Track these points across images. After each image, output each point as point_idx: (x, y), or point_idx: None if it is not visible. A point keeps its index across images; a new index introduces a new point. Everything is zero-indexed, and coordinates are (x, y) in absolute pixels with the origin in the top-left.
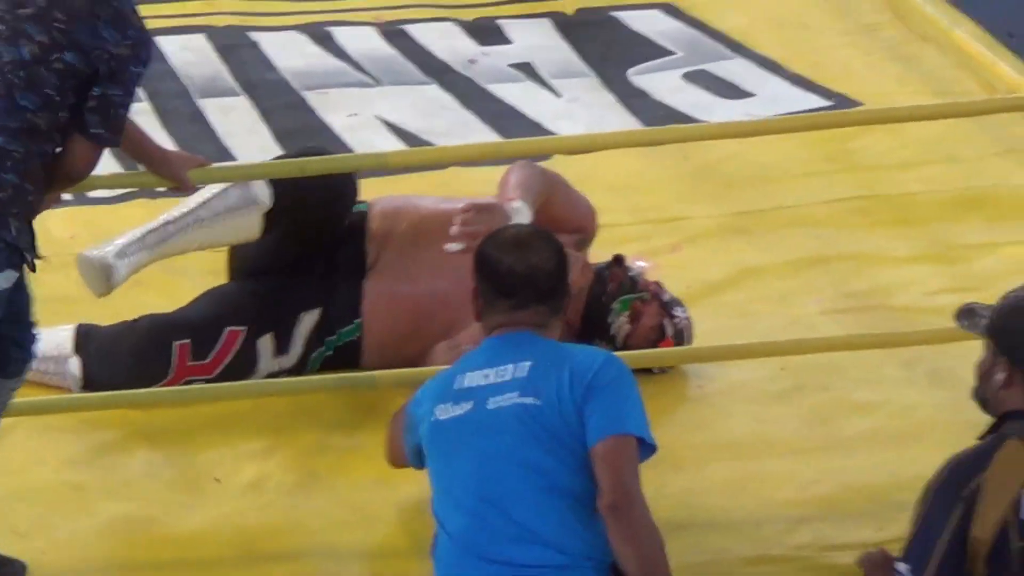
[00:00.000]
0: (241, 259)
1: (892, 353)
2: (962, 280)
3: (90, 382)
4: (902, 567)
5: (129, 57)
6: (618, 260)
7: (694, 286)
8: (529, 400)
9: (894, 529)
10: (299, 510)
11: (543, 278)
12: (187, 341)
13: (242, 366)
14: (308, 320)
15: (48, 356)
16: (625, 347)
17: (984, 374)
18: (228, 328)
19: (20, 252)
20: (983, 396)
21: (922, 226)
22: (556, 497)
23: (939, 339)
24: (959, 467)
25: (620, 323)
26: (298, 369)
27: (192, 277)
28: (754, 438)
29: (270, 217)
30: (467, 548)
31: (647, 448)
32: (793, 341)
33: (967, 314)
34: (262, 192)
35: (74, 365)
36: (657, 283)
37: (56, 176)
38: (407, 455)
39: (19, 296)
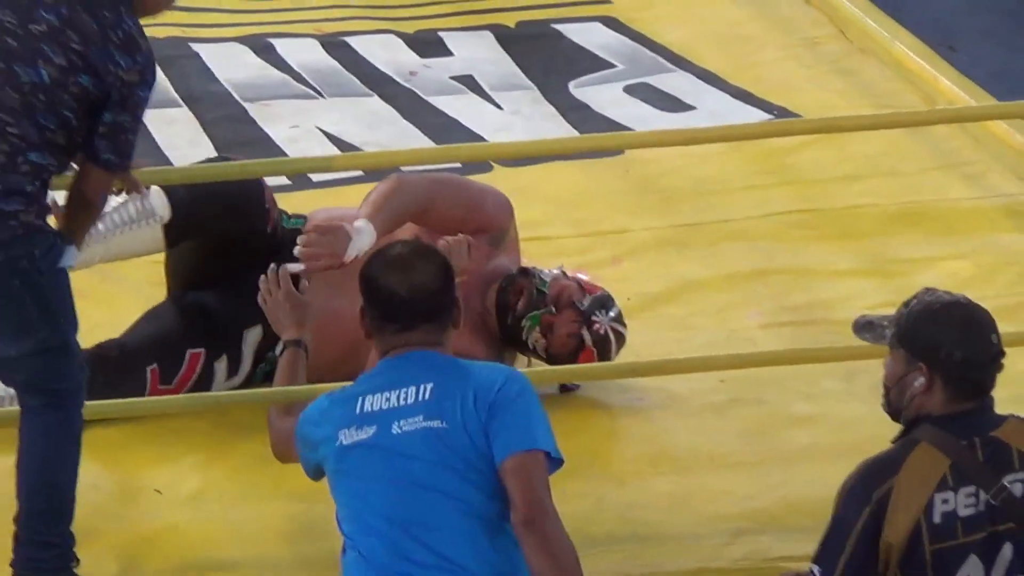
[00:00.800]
0: (178, 273)
1: (832, 367)
2: (901, 294)
3: None
4: (815, 569)
5: (138, 83)
6: (523, 271)
7: (634, 299)
8: (435, 423)
9: None
10: (239, 521)
11: (427, 298)
12: (155, 366)
13: (199, 388)
14: (251, 337)
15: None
16: (550, 358)
17: (898, 383)
18: (190, 351)
19: None
20: (896, 406)
21: (862, 240)
22: (469, 521)
23: (879, 353)
24: (870, 470)
25: (535, 338)
26: (244, 385)
27: (132, 286)
28: (693, 452)
29: (174, 230)
30: (380, 569)
31: (554, 462)
32: (732, 355)
33: (866, 327)
34: (160, 205)
35: None
36: (580, 287)
37: (75, 206)
38: (304, 467)
39: None
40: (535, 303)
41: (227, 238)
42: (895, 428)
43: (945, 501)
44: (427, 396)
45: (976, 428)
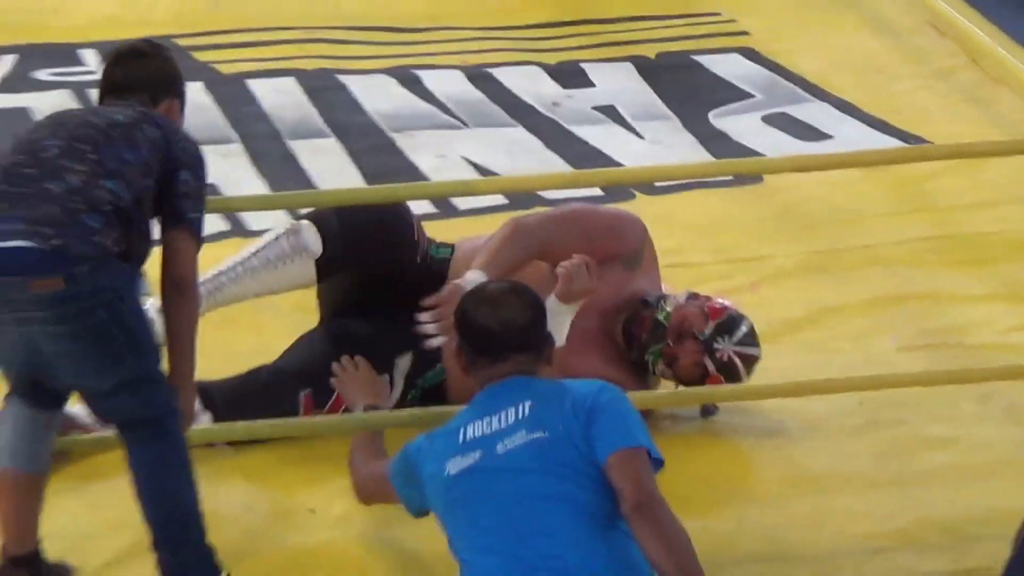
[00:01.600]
0: (329, 301)
1: (967, 389)
2: None
3: None
4: None
5: (200, 158)
6: (645, 302)
7: (774, 324)
8: (538, 435)
9: (968, 562)
10: (388, 541)
11: (516, 332)
12: (309, 391)
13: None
14: (403, 363)
15: None
16: (683, 385)
17: None
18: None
19: None
20: None
21: (996, 265)
22: (580, 521)
23: (1014, 375)
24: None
25: (660, 369)
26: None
27: (281, 313)
28: (832, 472)
29: (325, 264)
30: None
31: (655, 462)
32: (871, 377)
33: None
34: (312, 240)
35: (206, 422)
36: (703, 314)
37: (171, 302)
38: (407, 506)
39: None
40: (657, 335)
41: (378, 270)
42: (1022, 449)
43: None
44: (526, 413)
45: None
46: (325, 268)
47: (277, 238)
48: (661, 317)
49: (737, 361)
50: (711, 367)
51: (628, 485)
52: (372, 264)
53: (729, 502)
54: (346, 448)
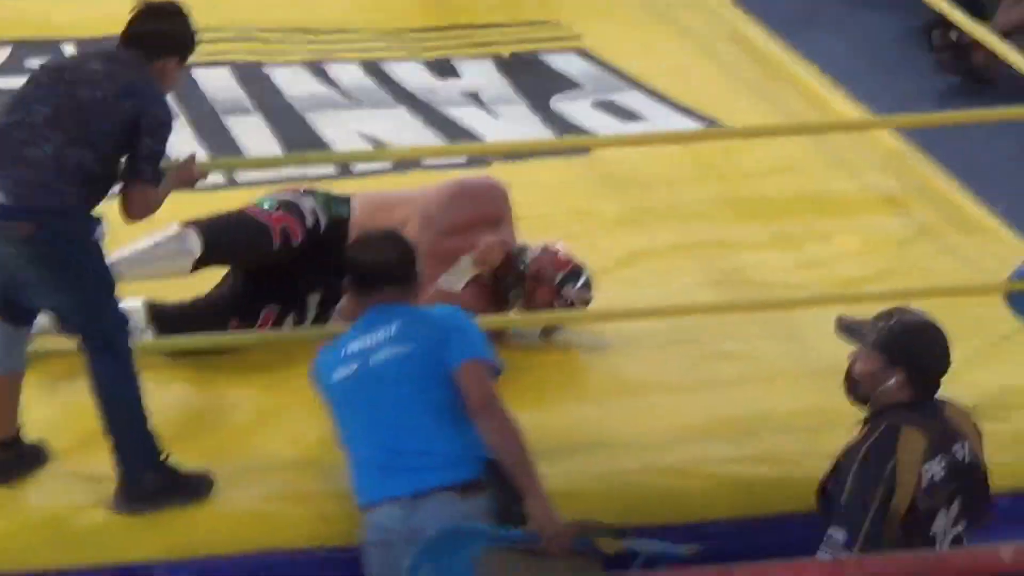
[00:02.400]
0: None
1: (753, 316)
2: (805, 261)
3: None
4: (838, 534)
5: (165, 123)
6: (509, 256)
7: (597, 264)
8: (401, 349)
9: (752, 450)
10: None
11: (385, 268)
12: (236, 320)
13: None
14: (313, 299)
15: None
16: None
17: (871, 378)
18: (264, 309)
19: None
20: (863, 394)
21: (776, 220)
22: (438, 418)
23: (789, 305)
24: (875, 453)
25: (519, 305)
26: None
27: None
28: (646, 379)
29: (199, 263)
30: (373, 468)
31: (495, 370)
32: (676, 305)
33: (848, 330)
34: (194, 243)
35: (150, 337)
36: (553, 264)
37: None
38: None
39: None
40: (518, 280)
41: (237, 264)
42: (800, 362)
43: (928, 471)
44: (392, 332)
45: (933, 412)
46: (197, 265)
47: (167, 240)
48: (521, 267)
49: (578, 303)
50: (558, 306)
51: (471, 391)
52: (235, 261)
53: (562, 402)
54: (264, 358)
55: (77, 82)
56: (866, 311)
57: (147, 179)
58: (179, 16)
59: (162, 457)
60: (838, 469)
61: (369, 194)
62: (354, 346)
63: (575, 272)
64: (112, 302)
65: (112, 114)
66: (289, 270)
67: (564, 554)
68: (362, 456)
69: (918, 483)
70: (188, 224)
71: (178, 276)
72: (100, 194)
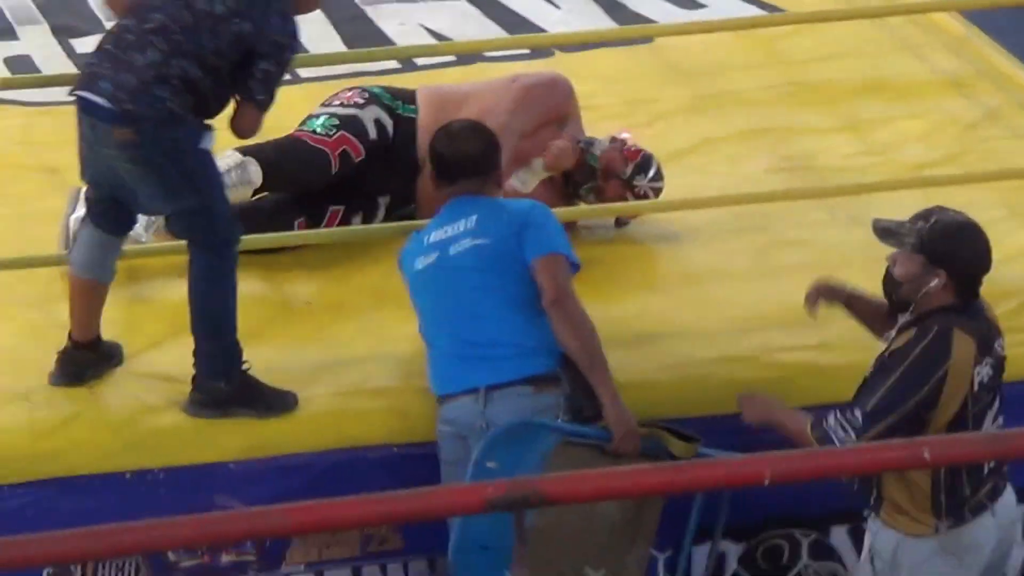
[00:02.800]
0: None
1: (818, 202)
2: (869, 146)
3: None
4: (856, 411)
5: (286, 45)
6: (581, 149)
7: (663, 152)
8: (480, 240)
9: (816, 338)
10: (373, 323)
11: (465, 159)
12: (302, 219)
13: None
14: (383, 200)
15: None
16: None
17: (913, 280)
18: (331, 207)
19: None
20: (907, 297)
21: (838, 105)
22: (514, 310)
23: (854, 191)
24: (924, 359)
25: (591, 200)
26: None
27: None
28: (713, 268)
29: (256, 190)
30: (451, 357)
31: (573, 265)
32: (743, 194)
33: (886, 232)
34: (255, 174)
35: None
36: (623, 157)
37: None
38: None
39: None
40: (589, 175)
41: (293, 192)
42: (866, 249)
43: (979, 373)
44: (472, 224)
45: (977, 313)
46: (254, 193)
47: (227, 170)
48: (591, 161)
49: (650, 193)
50: (630, 198)
51: (547, 284)
52: (294, 189)
53: (632, 292)
54: (328, 255)
55: (193, 1)
56: (933, 196)
57: (257, 100)
58: None
59: (244, 367)
60: (883, 368)
61: (433, 91)
62: (436, 235)
63: (645, 162)
64: (223, 209)
65: (223, 32)
66: (363, 174)
67: (634, 454)
68: (439, 346)
69: (970, 387)
70: (246, 152)
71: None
72: (211, 105)
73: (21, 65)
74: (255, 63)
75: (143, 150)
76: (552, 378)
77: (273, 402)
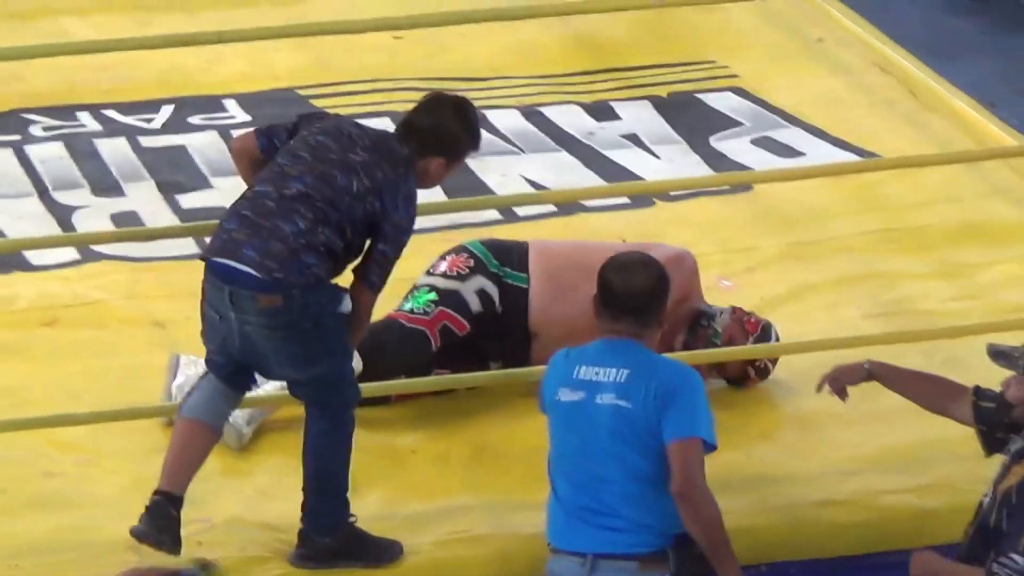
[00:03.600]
0: None
1: (916, 346)
2: (967, 290)
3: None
4: (1018, 559)
5: (405, 229)
6: (700, 321)
7: (761, 299)
8: (623, 403)
9: (922, 480)
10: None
11: (634, 297)
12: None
13: None
14: (494, 366)
15: None
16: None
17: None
18: (435, 371)
19: None
20: (1020, 417)
21: (934, 251)
22: (640, 484)
23: (951, 335)
24: None
25: (713, 372)
26: None
27: None
28: (815, 412)
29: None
30: (569, 512)
31: (708, 446)
32: (842, 338)
33: (1000, 355)
34: (356, 363)
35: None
36: (744, 331)
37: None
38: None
39: None
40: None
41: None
42: None
43: None
44: (622, 380)
45: None
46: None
47: None
48: (715, 339)
49: (770, 365)
50: (752, 372)
51: (677, 472)
52: (397, 372)
53: (740, 437)
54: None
55: (337, 165)
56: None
57: (371, 283)
58: (465, 115)
59: (351, 520)
60: (1012, 505)
61: (544, 256)
62: (586, 373)
63: (764, 335)
64: (350, 375)
65: (356, 209)
66: (472, 342)
67: None
68: (559, 491)
69: None
70: None
71: None
72: (341, 269)
73: (127, 220)
74: (376, 244)
75: (290, 316)
76: (660, 557)
77: (380, 553)
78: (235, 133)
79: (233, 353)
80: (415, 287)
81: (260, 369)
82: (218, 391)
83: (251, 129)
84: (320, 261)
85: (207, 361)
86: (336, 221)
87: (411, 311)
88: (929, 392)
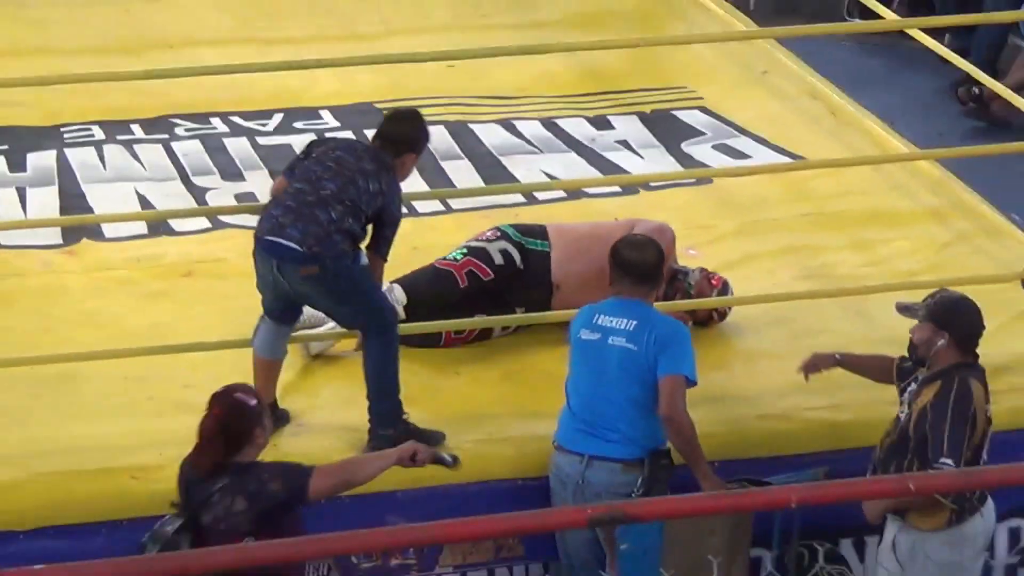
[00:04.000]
0: None
1: (835, 301)
2: (872, 260)
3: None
4: (949, 461)
5: (397, 219)
6: (676, 276)
7: (718, 263)
8: (631, 346)
9: (835, 399)
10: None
11: (646, 268)
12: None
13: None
14: (519, 311)
15: None
16: (696, 323)
17: (926, 342)
18: (476, 314)
19: None
20: (923, 357)
21: (848, 230)
22: (634, 406)
23: (861, 292)
24: (960, 404)
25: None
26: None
27: None
28: (759, 349)
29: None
30: (577, 422)
31: (691, 382)
32: (778, 293)
33: (905, 309)
34: (400, 295)
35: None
36: (710, 284)
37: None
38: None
39: None
40: (685, 297)
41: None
42: (866, 335)
43: (988, 411)
44: (631, 328)
45: (979, 367)
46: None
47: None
48: (688, 289)
49: (727, 312)
50: (715, 316)
51: (665, 400)
52: (433, 302)
53: (702, 367)
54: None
55: (357, 173)
56: (917, 296)
57: (383, 255)
58: (418, 119)
59: (404, 416)
60: (928, 418)
61: (560, 229)
62: (603, 320)
63: (724, 288)
64: (382, 302)
65: (373, 202)
66: (498, 290)
67: None
68: (572, 405)
69: (987, 422)
70: (394, 280)
71: None
72: (359, 242)
73: (247, 199)
74: (383, 227)
75: (325, 282)
76: (638, 463)
77: (428, 438)
78: (328, 135)
79: (283, 301)
80: (450, 255)
81: (306, 305)
82: (271, 330)
83: (281, 175)
84: (345, 240)
85: (263, 304)
86: (358, 213)
87: (443, 259)
88: (877, 368)
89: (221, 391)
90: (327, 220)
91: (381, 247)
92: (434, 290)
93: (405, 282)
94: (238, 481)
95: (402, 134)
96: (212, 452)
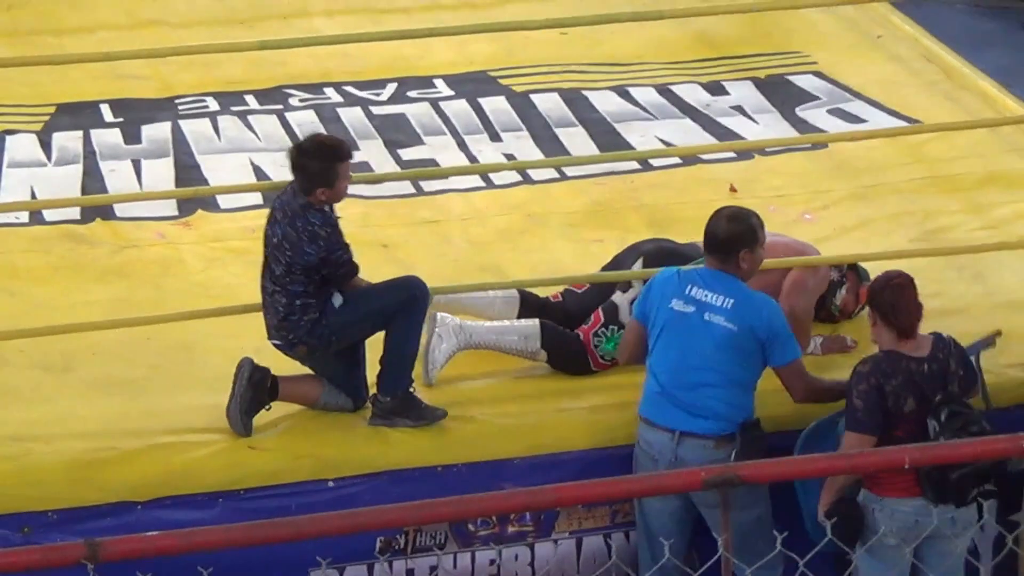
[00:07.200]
0: None
1: (950, 261)
2: (988, 222)
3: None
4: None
5: (327, 256)
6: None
7: (833, 229)
8: (731, 326)
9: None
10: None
11: (716, 239)
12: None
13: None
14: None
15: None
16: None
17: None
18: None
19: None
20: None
21: (964, 193)
22: (727, 385)
23: (974, 251)
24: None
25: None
26: None
27: None
28: None
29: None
30: (665, 395)
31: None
32: (892, 252)
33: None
34: (535, 346)
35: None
36: (856, 300)
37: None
38: (636, 327)
39: None
40: (828, 317)
41: None
42: (986, 296)
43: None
44: (729, 307)
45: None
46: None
47: (525, 337)
48: (833, 309)
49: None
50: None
51: (796, 387)
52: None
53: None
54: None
55: (292, 232)
56: None
57: (339, 281)
58: (322, 149)
59: (409, 388)
60: None
61: None
62: (697, 293)
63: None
64: (385, 297)
65: (309, 256)
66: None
67: None
68: (660, 381)
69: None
70: (545, 326)
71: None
72: (322, 296)
73: (361, 169)
74: (331, 274)
75: (321, 348)
76: (729, 439)
77: (427, 414)
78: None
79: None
80: (611, 323)
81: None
82: None
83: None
84: (307, 310)
85: None
86: (309, 274)
87: (597, 345)
88: None
89: None
90: (285, 304)
91: (342, 285)
92: (572, 362)
93: (550, 336)
94: None
95: (305, 169)
96: None
